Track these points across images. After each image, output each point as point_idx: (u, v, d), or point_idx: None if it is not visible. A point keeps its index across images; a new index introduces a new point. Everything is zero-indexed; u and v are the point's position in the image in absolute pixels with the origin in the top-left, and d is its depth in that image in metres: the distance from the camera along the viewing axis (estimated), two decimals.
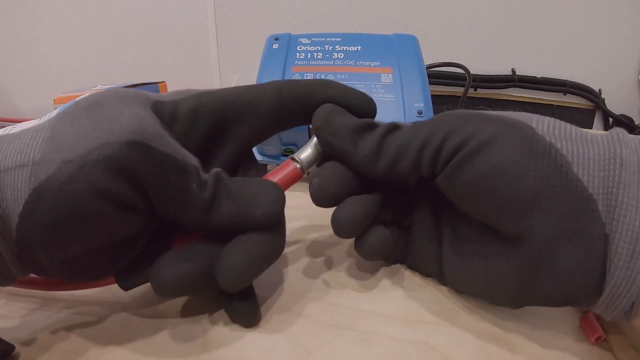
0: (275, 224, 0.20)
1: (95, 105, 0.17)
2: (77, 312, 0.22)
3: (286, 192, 0.21)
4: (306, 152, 0.22)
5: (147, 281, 0.19)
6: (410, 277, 0.25)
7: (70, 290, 0.22)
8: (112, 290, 0.23)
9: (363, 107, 0.23)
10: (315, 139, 0.22)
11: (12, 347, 0.19)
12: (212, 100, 0.21)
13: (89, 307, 0.22)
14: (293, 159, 0.22)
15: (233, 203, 0.19)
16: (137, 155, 0.16)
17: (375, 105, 0.23)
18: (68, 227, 0.16)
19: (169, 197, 0.18)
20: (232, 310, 0.21)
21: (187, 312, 0.22)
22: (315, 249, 0.28)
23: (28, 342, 0.20)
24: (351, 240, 0.28)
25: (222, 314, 0.22)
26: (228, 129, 0.21)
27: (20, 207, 0.15)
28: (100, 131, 0.16)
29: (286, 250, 0.28)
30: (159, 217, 0.19)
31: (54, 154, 0.16)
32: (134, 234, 0.18)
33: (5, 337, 0.18)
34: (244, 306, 0.21)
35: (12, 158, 0.16)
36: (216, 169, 0.19)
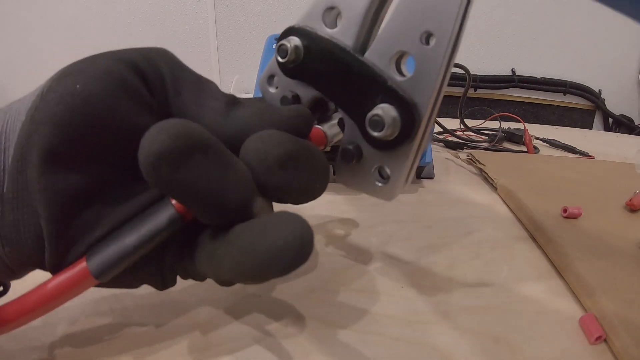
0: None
1: None
2: (76, 312, 0.22)
3: None
4: (331, 126, 0.21)
5: (122, 260, 0.16)
6: (410, 277, 0.25)
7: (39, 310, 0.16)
8: (112, 290, 0.23)
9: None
10: (335, 120, 0.21)
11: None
12: None
13: (88, 307, 0.22)
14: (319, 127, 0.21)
15: (257, 104, 0.18)
16: (159, 52, 0.17)
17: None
18: (95, 102, 0.15)
19: (184, 86, 0.17)
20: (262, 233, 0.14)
21: (188, 312, 0.22)
22: (314, 249, 0.28)
23: (27, 343, 0.19)
24: (351, 241, 0.28)
25: (222, 314, 0.22)
26: None
27: (29, 104, 0.15)
28: None
29: None
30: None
31: (78, 62, 0.16)
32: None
33: (4, 337, 0.18)
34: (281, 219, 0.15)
35: (29, 95, 0.16)
36: None
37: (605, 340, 0.20)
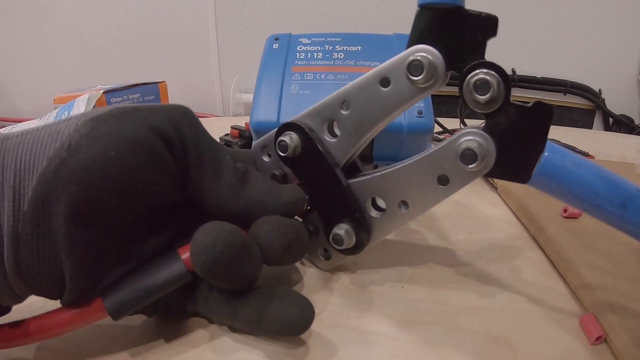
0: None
1: None
2: None
3: None
4: None
5: (137, 303, 0.18)
6: (410, 277, 0.25)
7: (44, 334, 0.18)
8: None
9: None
10: None
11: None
12: None
13: None
14: None
15: (263, 184, 0.20)
16: (184, 115, 0.19)
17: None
18: (128, 173, 0.16)
19: (204, 158, 0.19)
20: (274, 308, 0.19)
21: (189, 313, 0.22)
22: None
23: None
24: None
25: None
26: None
27: (50, 150, 0.16)
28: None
29: None
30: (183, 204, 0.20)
31: (106, 123, 0.17)
32: (157, 215, 0.19)
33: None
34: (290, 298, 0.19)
35: (43, 130, 0.17)
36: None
37: (605, 340, 0.20)
